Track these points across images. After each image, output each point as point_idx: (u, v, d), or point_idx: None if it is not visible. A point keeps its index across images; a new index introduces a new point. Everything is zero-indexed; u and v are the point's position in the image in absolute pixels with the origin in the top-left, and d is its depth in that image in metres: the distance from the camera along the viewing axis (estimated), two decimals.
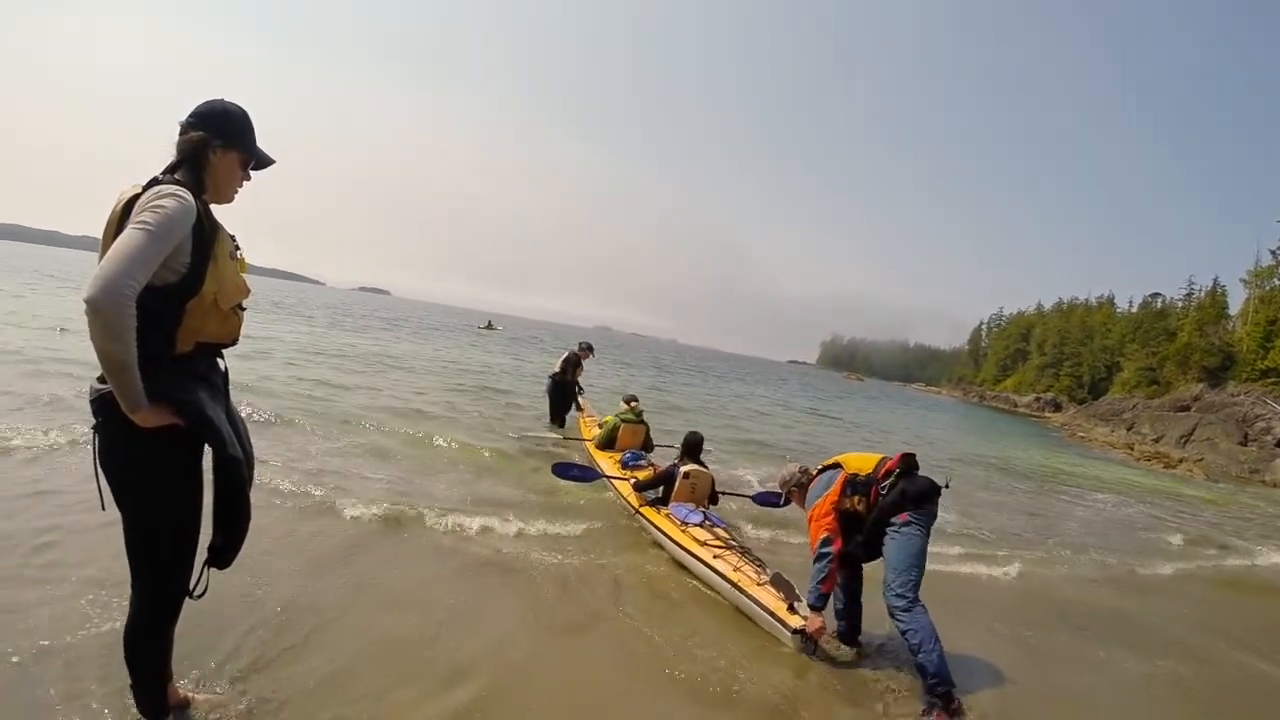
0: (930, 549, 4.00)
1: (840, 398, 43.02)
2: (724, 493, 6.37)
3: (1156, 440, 37.17)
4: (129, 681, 2.36)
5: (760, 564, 4.81)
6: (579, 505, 6.48)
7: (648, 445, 8.29)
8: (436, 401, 12.43)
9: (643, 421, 8.32)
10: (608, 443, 8.16)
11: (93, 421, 2.13)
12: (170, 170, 2.16)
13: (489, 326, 53.43)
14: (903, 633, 3.77)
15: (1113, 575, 7.30)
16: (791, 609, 4.16)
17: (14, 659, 2.82)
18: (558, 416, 10.94)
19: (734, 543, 5.14)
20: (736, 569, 4.63)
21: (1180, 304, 78.92)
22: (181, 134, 2.21)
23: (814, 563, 4.09)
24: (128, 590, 2.29)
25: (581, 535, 5.64)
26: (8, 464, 5.26)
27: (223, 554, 2.32)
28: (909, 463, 4.12)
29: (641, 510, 5.90)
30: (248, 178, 2.37)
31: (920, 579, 3.86)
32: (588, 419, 10.36)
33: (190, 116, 2.23)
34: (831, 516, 4.05)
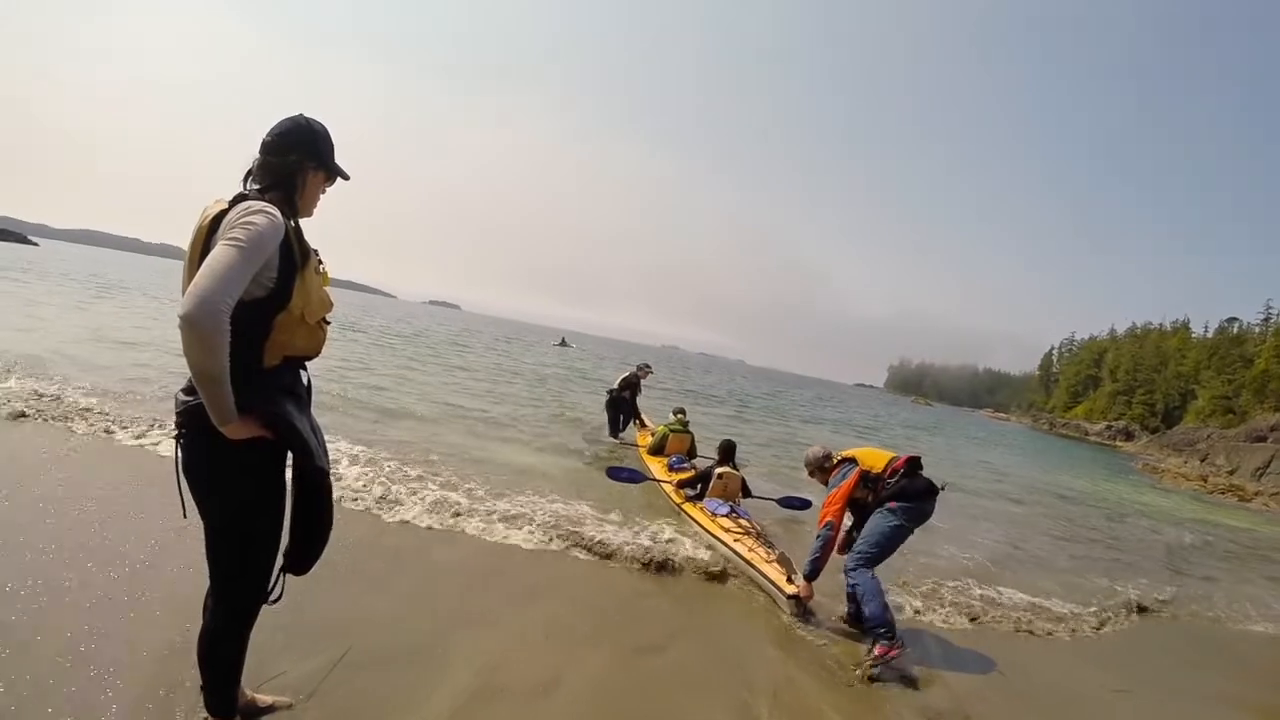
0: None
1: (908, 432, 41.96)
2: (756, 496, 7.15)
3: (1231, 472, 35.60)
4: (200, 682, 2.39)
5: (771, 546, 5.64)
6: (639, 516, 6.56)
7: (692, 451, 9.09)
8: (505, 413, 12.90)
9: (688, 431, 9.18)
10: (658, 449, 8.99)
11: (175, 431, 2.13)
12: (262, 191, 2.16)
13: (563, 344, 54.62)
14: (851, 586, 4.55)
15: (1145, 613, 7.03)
16: (790, 580, 4.94)
17: (89, 658, 2.89)
18: (615, 428, 11.58)
19: (753, 530, 5.92)
20: (751, 550, 5.45)
21: (1258, 329, 75.65)
22: (270, 154, 2.20)
23: (815, 539, 4.80)
24: (202, 593, 2.34)
25: (646, 548, 5.62)
26: (92, 467, 5.53)
27: (302, 561, 2.34)
28: (914, 465, 4.79)
29: (683, 506, 6.73)
30: (324, 192, 2.38)
31: (880, 555, 4.59)
32: (643, 431, 11.31)
33: (277, 137, 2.21)
34: (840, 505, 4.71)
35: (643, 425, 11.71)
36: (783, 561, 5.26)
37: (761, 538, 5.82)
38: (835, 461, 5.08)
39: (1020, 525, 11.05)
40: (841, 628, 4.81)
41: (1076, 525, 12.13)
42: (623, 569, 5.28)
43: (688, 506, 6.67)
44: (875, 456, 4.93)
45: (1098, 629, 5.97)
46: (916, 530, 4.75)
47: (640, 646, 4.05)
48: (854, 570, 4.57)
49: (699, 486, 6.88)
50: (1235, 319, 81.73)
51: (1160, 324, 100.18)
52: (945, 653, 4.81)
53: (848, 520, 4.99)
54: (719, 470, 6.81)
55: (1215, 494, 26.83)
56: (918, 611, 5.53)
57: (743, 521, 6.07)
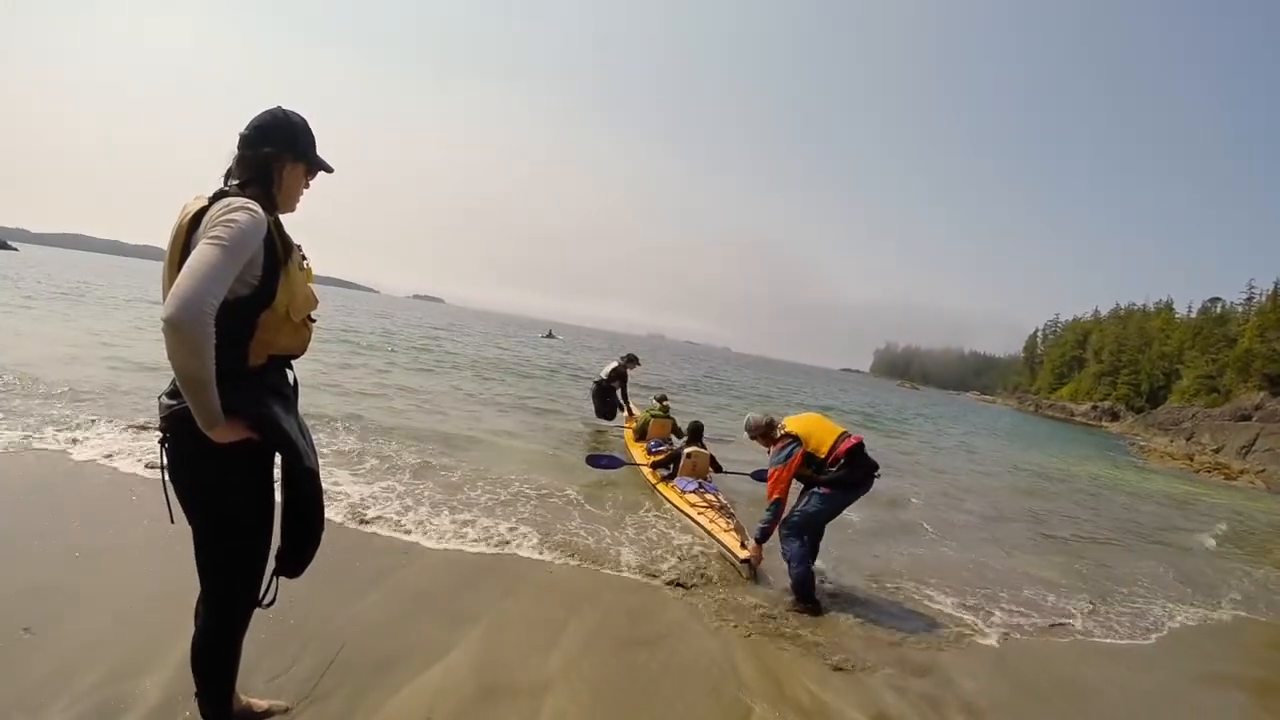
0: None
1: (902, 421, 41.83)
2: (729, 471, 7.65)
3: (1217, 451, 35.89)
4: (194, 689, 2.35)
5: (730, 516, 6.21)
6: (628, 514, 6.58)
7: (677, 434, 9.42)
8: (493, 408, 12.91)
9: (669, 416, 9.59)
10: (641, 434, 9.49)
11: (159, 436, 2.09)
12: (240, 186, 2.10)
13: (549, 335, 55.05)
14: (783, 553, 5.13)
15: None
16: (743, 546, 5.48)
17: (85, 665, 2.86)
18: (601, 415, 11.80)
19: (715, 504, 6.48)
20: (711, 521, 6.03)
21: (1240, 309, 76.19)
22: (247, 148, 2.15)
23: (765, 510, 5.21)
24: (193, 599, 2.31)
25: (636, 548, 5.67)
26: (77, 474, 5.44)
27: (295, 564, 2.30)
28: (854, 457, 5.15)
29: (657, 485, 7.31)
30: (308, 186, 2.32)
31: (806, 529, 5.12)
32: (630, 419, 11.53)
33: (253, 130, 2.15)
34: (786, 483, 5.12)
35: (630, 414, 11.87)
36: (738, 530, 5.79)
37: (723, 510, 6.35)
38: (780, 433, 5.34)
39: (1018, 511, 11.12)
40: (826, 617, 4.87)
41: (1070, 508, 12.23)
42: (613, 568, 5.24)
43: (661, 486, 7.21)
44: (820, 435, 5.24)
45: (1100, 616, 5.98)
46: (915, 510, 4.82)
47: (632, 642, 4.02)
48: (784, 540, 5.16)
49: (671, 466, 7.40)
50: (1218, 299, 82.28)
51: (1144, 305, 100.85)
52: (950, 643, 4.82)
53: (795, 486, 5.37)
54: (687, 450, 7.34)
55: (1202, 472, 27.06)
56: (925, 601, 5.58)
57: (708, 496, 6.64)
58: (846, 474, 5.10)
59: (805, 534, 5.13)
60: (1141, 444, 40.56)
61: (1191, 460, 31.49)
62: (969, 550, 7.55)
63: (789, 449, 5.16)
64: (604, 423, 11.76)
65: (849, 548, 6.70)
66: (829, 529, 5.43)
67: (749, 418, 5.67)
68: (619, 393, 11.95)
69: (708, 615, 4.62)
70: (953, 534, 8.26)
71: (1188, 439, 41.25)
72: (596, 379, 12.07)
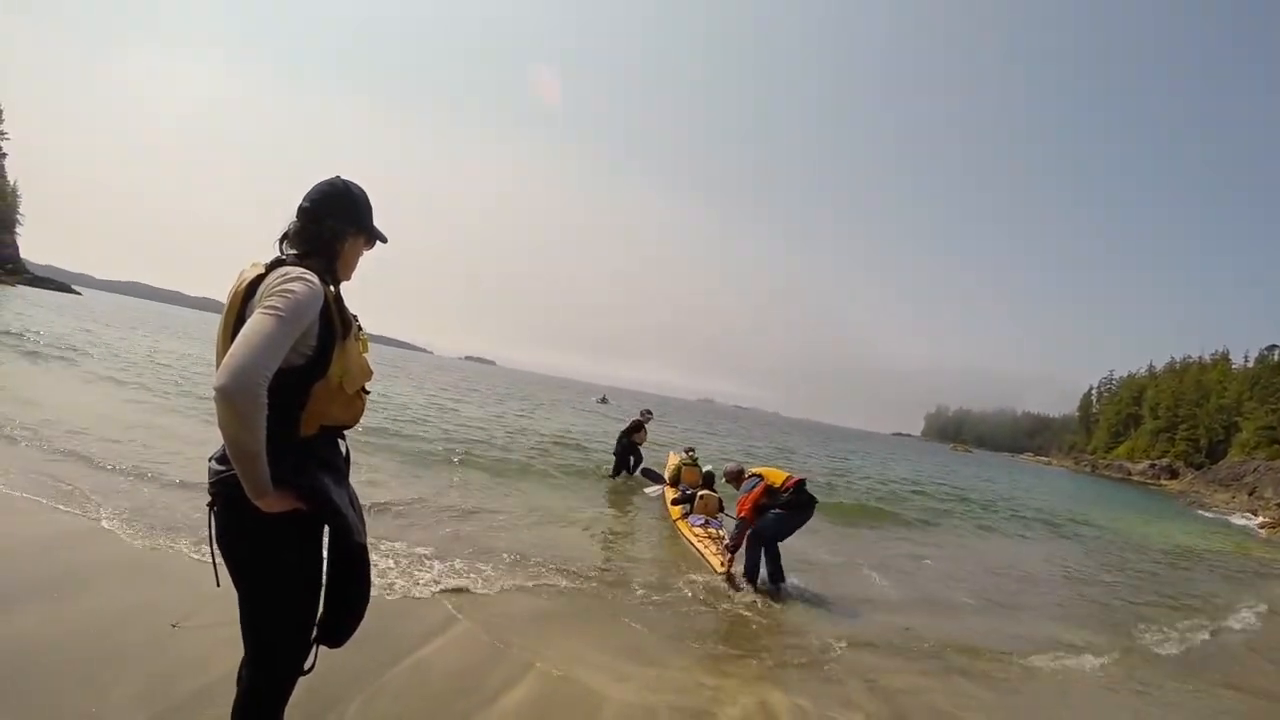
0: None
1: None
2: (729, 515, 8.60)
3: None
4: None
5: (720, 543, 7.48)
6: (643, 561, 7.22)
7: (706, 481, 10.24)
8: (559, 480, 12.24)
9: (697, 465, 10.86)
10: (675, 480, 10.85)
11: (208, 499, 2.04)
12: (299, 256, 2.08)
13: (603, 400, 55.62)
14: (744, 554, 6.72)
15: None
16: (722, 564, 6.85)
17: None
18: (620, 467, 12.78)
19: (713, 535, 7.95)
20: (705, 546, 7.54)
21: None
22: (308, 219, 2.12)
23: (735, 527, 6.83)
24: (235, 664, 2.22)
25: (660, 591, 5.97)
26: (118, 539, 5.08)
27: (338, 634, 2.22)
28: (800, 486, 6.86)
29: (676, 521, 8.84)
30: (362, 255, 2.31)
31: (766, 539, 6.71)
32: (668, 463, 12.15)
33: (314, 202, 2.13)
34: (751, 505, 6.67)
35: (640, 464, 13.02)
36: (722, 553, 7.02)
37: (718, 540, 7.68)
38: (747, 474, 7.10)
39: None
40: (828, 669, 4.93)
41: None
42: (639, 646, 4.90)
43: (678, 521, 8.75)
44: (775, 474, 7.00)
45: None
46: None
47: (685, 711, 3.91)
48: (748, 549, 6.69)
49: (688, 505, 8.92)
50: (1275, 346, 79.69)
51: (1199, 357, 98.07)
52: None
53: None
54: (700, 493, 8.99)
55: (1266, 529, 25.96)
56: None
57: (710, 530, 8.15)
58: (794, 498, 6.75)
59: (762, 544, 6.71)
60: (1205, 501, 39.01)
61: (1255, 516, 30.29)
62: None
63: (753, 482, 6.83)
64: (629, 475, 12.66)
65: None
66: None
67: (725, 467, 7.80)
68: (635, 445, 13.00)
69: (737, 667, 4.66)
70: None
71: (1250, 494, 39.67)
72: (619, 434, 13.23)
